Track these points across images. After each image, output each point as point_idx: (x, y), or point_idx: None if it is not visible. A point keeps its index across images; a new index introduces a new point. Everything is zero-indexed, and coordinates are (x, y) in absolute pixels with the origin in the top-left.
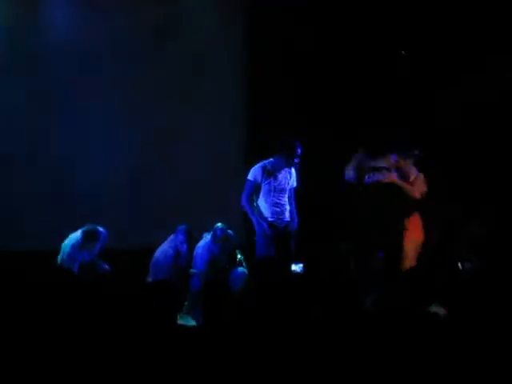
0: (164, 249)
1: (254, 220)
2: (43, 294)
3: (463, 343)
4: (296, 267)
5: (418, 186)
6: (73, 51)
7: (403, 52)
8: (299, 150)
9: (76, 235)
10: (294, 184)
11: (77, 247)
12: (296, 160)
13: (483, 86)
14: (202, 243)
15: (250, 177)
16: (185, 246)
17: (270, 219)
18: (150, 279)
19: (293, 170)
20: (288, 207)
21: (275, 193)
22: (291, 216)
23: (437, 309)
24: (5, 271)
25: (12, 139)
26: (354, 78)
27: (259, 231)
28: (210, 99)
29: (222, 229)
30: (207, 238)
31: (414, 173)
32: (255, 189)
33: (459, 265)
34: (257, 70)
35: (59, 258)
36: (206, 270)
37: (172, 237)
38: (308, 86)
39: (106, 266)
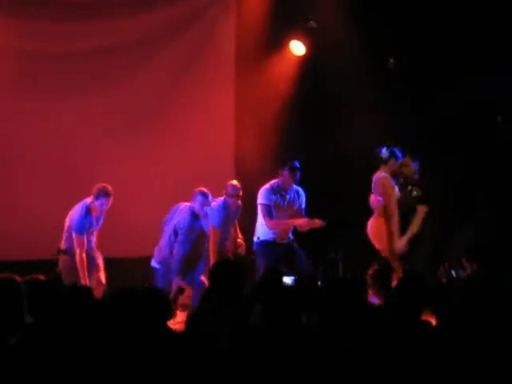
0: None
1: None
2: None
3: (455, 352)
4: (287, 279)
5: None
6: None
7: (392, 60)
8: (297, 164)
9: (83, 201)
10: (303, 204)
11: (83, 214)
12: (298, 174)
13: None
14: (215, 203)
15: (262, 200)
16: (205, 208)
17: (272, 237)
18: (153, 261)
19: (301, 190)
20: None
21: (282, 212)
22: None
23: (429, 316)
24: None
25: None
26: (351, 78)
27: None
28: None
29: (234, 185)
30: (221, 199)
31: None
32: (272, 209)
33: (453, 272)
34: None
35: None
36: (220, 228)
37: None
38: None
39: (103, 281)
